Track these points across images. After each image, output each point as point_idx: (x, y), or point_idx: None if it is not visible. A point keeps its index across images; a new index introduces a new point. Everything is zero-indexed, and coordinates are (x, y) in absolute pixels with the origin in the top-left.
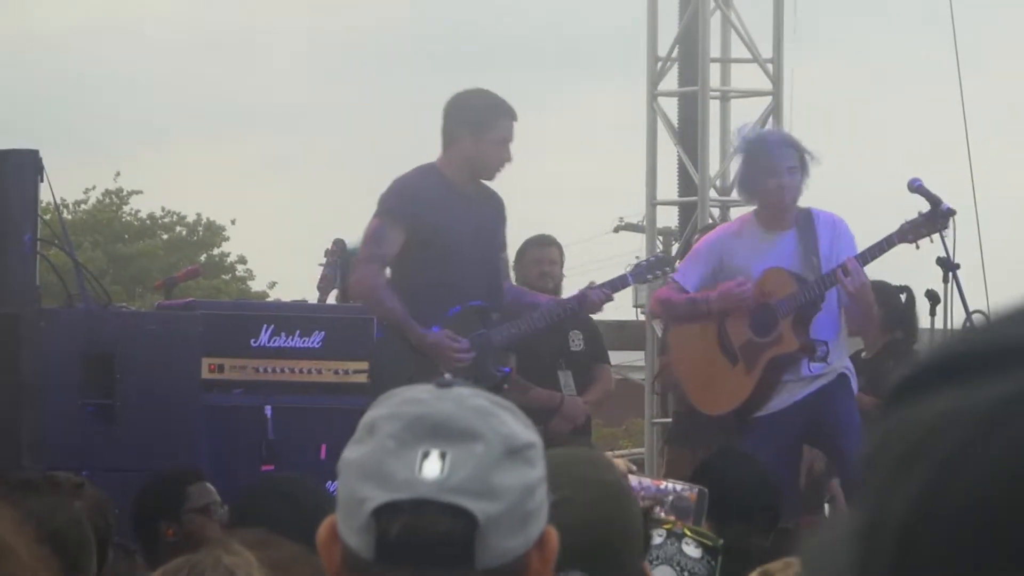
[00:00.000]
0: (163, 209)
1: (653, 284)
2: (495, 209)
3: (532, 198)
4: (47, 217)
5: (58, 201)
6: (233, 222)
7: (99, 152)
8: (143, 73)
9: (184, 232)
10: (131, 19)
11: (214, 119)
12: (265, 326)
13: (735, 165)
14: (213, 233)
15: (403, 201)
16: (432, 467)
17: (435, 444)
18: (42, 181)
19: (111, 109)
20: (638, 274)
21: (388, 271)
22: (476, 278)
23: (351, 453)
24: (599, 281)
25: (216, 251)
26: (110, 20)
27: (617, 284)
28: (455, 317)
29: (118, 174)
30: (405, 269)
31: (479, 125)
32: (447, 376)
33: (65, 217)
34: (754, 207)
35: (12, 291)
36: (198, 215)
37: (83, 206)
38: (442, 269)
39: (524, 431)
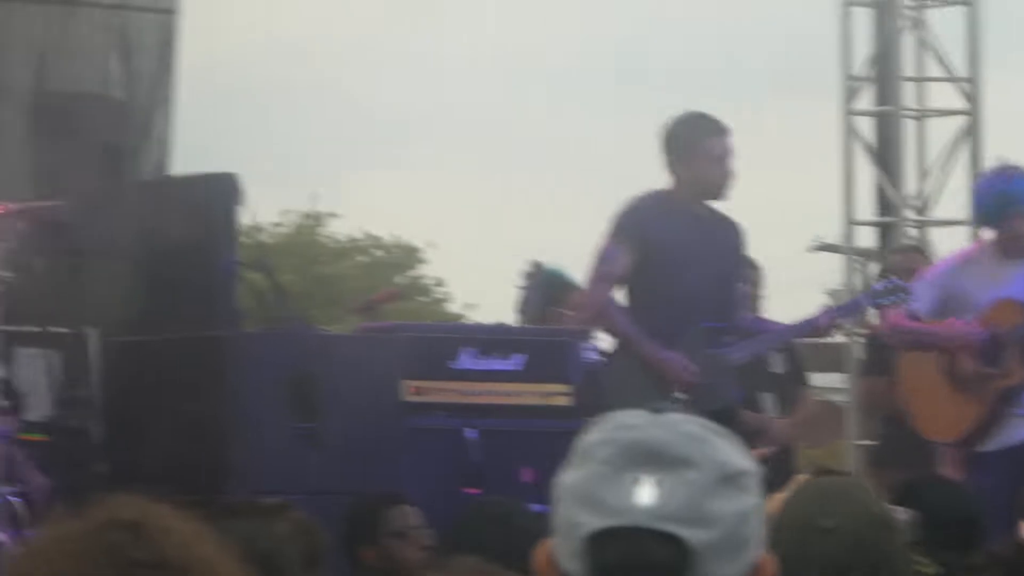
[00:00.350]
0: (362, 232)
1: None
2: (730, 233)
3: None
4: (245, 240)
5: (256, 223)
6: (431, 244)
7: (293, 173)
8: (339, 93)
9: (382, 254)
10: (334, 39)
11: (410, 141)
12: (467, 348)
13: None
14: (409, 255)
15: (633, 221)
16: (646, 494)
17: (649, 470)
18: (240, 204)
19: (307, 130)
20: (873, 298)
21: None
22: (705, 298)
23: (567, 477)
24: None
25: (411, 272)
26: (309, 40)
27: (851, 309)
28: (686, 337)
29: (315, 196)
30: (636, 288)
31: (686, 150)
32: (673, 397)
33: (264, 240)
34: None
35: (216, 315)
36: (395, 237)
37: (280, 228)
38: (671, 288)
39: (739, 458)
